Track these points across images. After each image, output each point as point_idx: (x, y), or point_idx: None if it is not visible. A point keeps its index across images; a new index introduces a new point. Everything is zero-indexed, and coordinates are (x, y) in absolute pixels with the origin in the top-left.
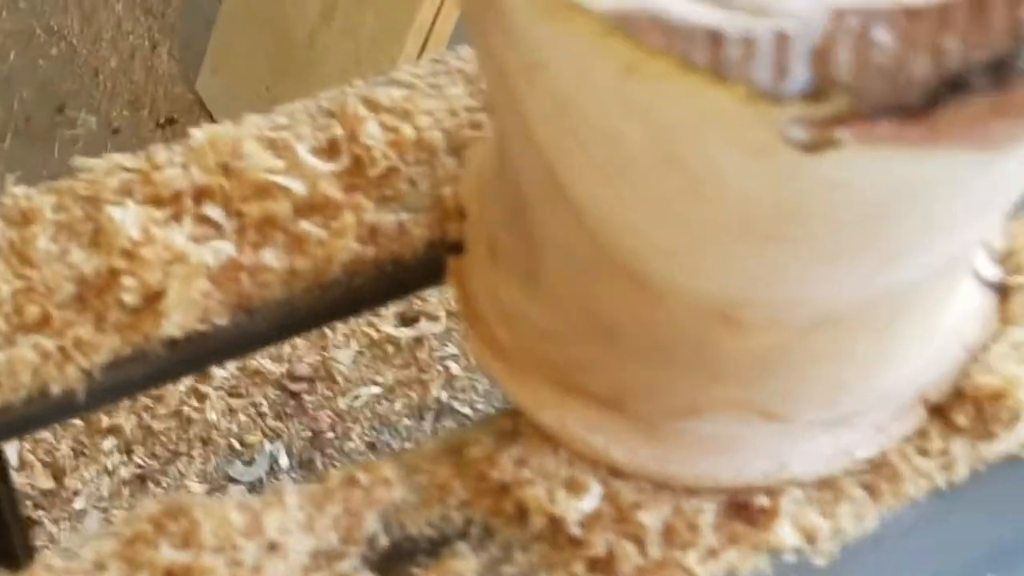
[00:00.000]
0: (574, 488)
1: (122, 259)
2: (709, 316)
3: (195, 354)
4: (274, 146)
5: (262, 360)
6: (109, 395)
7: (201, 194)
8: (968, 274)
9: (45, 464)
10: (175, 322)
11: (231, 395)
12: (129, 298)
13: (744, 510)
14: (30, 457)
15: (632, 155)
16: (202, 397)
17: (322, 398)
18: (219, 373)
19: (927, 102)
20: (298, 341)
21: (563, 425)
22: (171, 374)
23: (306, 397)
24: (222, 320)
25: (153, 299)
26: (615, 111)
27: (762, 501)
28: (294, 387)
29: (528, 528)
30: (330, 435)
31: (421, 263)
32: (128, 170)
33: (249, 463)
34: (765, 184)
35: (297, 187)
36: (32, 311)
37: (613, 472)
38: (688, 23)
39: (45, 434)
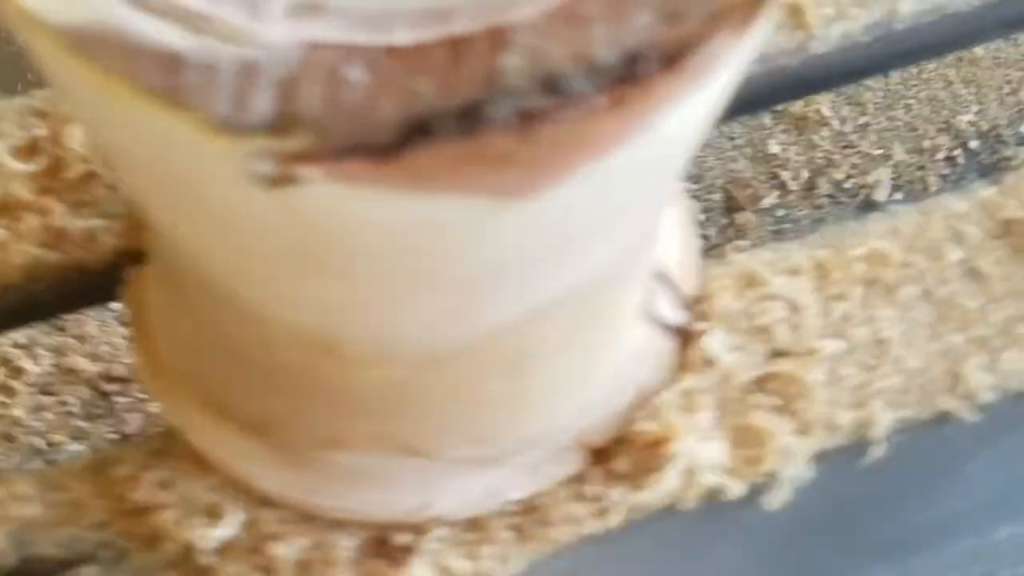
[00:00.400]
0: (212, 514)
1: None
2: (312, 346)
3: None
4: None
5: (79, 358)
6: None
7: None
8: (642, 318)
9: None
10: None
11: (42, 392)
12: None
13: (384, 547)
14: None
15: (165, 187)
16: (11, 393)
17: (135, 400)
18: (34, 370)
19: (397, 144)
20: (118, 341)
21: (213, 449)
22: None
23: (118, 399)
24: None
25: None
26: (126, 139)
27: (403, 539)
28: (107, 387)
29: (161, 553)
30: (138, 438)
31: (109, 272)
32: None
33: (50, 464)
34: (278, 218)
35: None
36: None
37: (262, 501)
38: (145, 43)
39: None
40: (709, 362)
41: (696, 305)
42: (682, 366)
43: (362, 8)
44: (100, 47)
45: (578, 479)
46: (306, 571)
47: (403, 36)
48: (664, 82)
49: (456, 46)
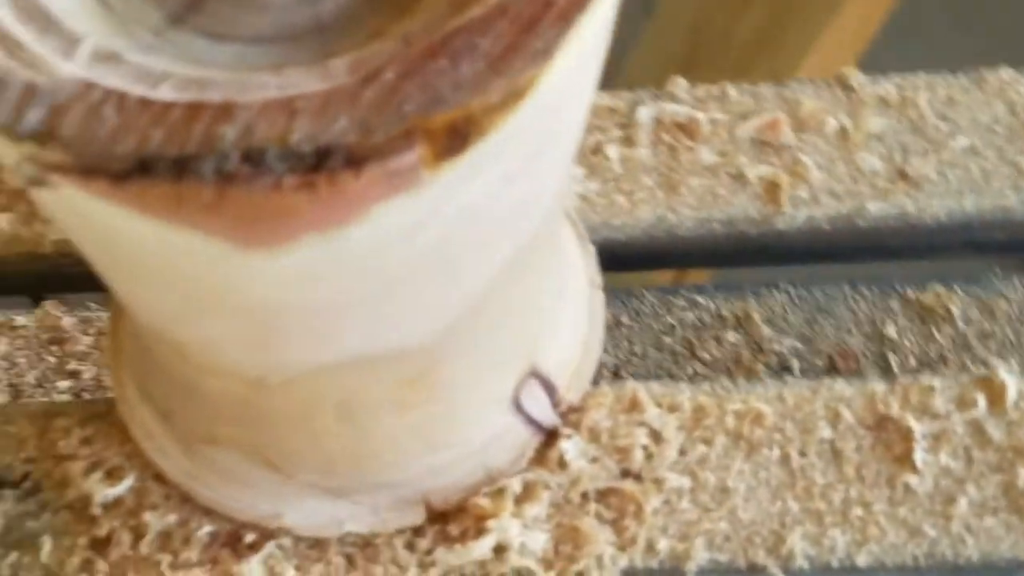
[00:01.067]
0: (111, 475)
1: None
2: (169, 346)
3: None
4: None
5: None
6: None
7: None
8: (510, 409)
9: None
10: None
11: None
12: None
13: (234, 540)
14: None
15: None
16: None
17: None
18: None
19: (127, 173)
20: None
21: (132, 423)
22: None
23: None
24: None
25: None
26: None
27: (251, 538)
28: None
29: (65, 495)
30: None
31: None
32: None
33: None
34: (64, 212)
35: None
36: None
37: (156, 476)
38: None
39: None
40: (563, 464)
41: (570, 413)
42: (536, 460)
43: (145, 66)
44: None
45: (415, 531)
46: (166, 541)
47: (163, 93)
48: (351, 180)
49: (192, 109)
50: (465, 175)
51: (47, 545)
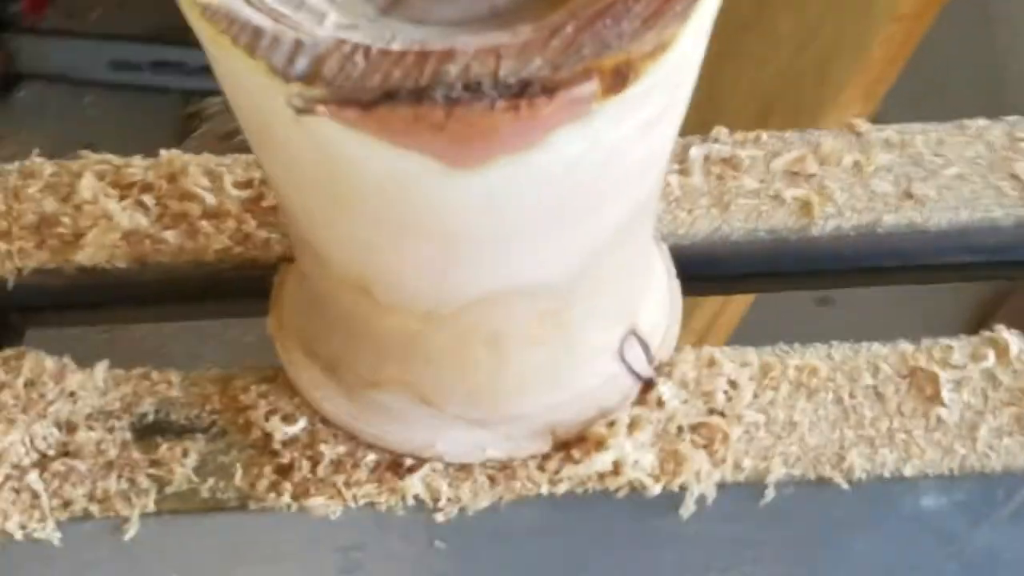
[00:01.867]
0: (287, 419)
1: (72, 209)
2: (356, 289)
3: (96, 284)
4: (211, 173)
5: None
6: (31, 297)
7: (147, 187)
8: (615, 360)
9: None
10: (87, 254)
11: None
12: (63, 231)
13: (396, 465)
14: None
15: (251, 122)
16: None
17: None
18: None
19: (374, 102)
20: None
21: (298, 379)
22: (78, 299)
23: None
24: (122, 264)
25: (79, 236)
26: (229, 81)
27: (410, 463)
28: None
29: (248, 436)
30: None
31: (271, 268)
32: (109, 163)
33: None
34: (308, 147)
35: (210, 200)
36: (2, 225)
37: (323, 419)
38: (244, 18)
39: None
40: (660, 403)
41: (663, 367)
42: (638, 402)
43: (377, 31)
44: (220, 17)
45: (544, 456)
46: (339, 467)
47: (393, 45)
48: (544, 104)
49: (422, 55)
50: (620, 113)
51: (239, 473)
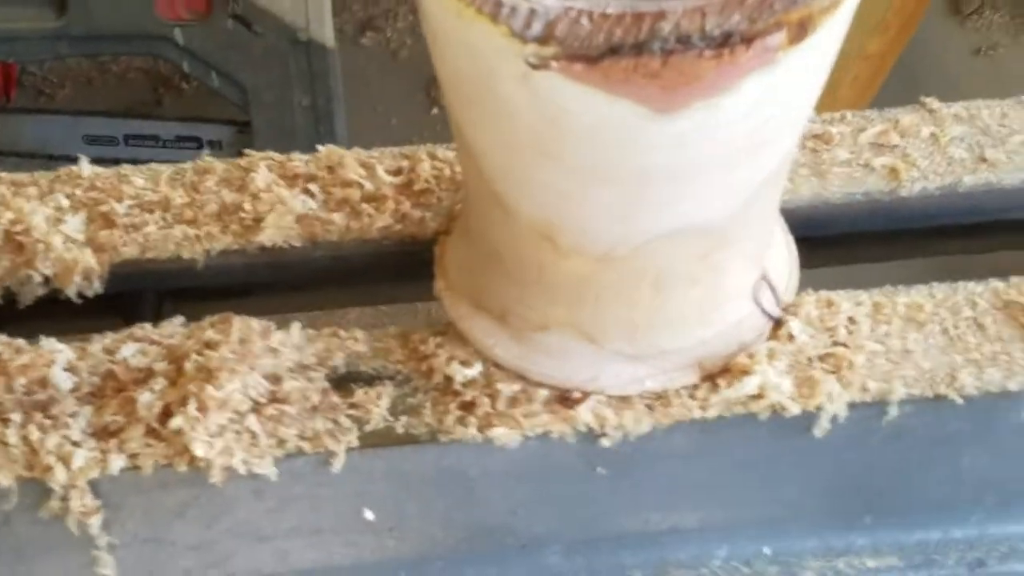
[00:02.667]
0: (465, 364)
1: (249, 198)
2: (539, 237)
3: (277, 261)
4: (364, 164)
5: None
6: (217, 276)
7: (311, 178)
8: (750, 300)
9: None
10: (268, 235)
11: None
12: (245, 216)
13: (565, 399)
14: None
15: (474, 86)
16: None
17: None
18: None
19: (600, 56)
20: None
21: (470, 330)
22: (259, 276)
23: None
24: (296, 244)
25: (259, 220)
26: (458, 51)
27: (577, 395)
28: None
29: (431, 380)
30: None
31: (429, 242)
32: (273, 159)
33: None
34: (529, 104)
35: (368, 186)
36: (188, 214)
37: (495, 364)
38: None
39: None
40: (791, 338)
41: (789, 307)
42: (771, 337)
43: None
44: None
45: (694, 387)
46: (515, 402)
47: (611, 9)
48: (743, 52)
49: (637, 16)
50: (798, 60)
51: (428, 410)
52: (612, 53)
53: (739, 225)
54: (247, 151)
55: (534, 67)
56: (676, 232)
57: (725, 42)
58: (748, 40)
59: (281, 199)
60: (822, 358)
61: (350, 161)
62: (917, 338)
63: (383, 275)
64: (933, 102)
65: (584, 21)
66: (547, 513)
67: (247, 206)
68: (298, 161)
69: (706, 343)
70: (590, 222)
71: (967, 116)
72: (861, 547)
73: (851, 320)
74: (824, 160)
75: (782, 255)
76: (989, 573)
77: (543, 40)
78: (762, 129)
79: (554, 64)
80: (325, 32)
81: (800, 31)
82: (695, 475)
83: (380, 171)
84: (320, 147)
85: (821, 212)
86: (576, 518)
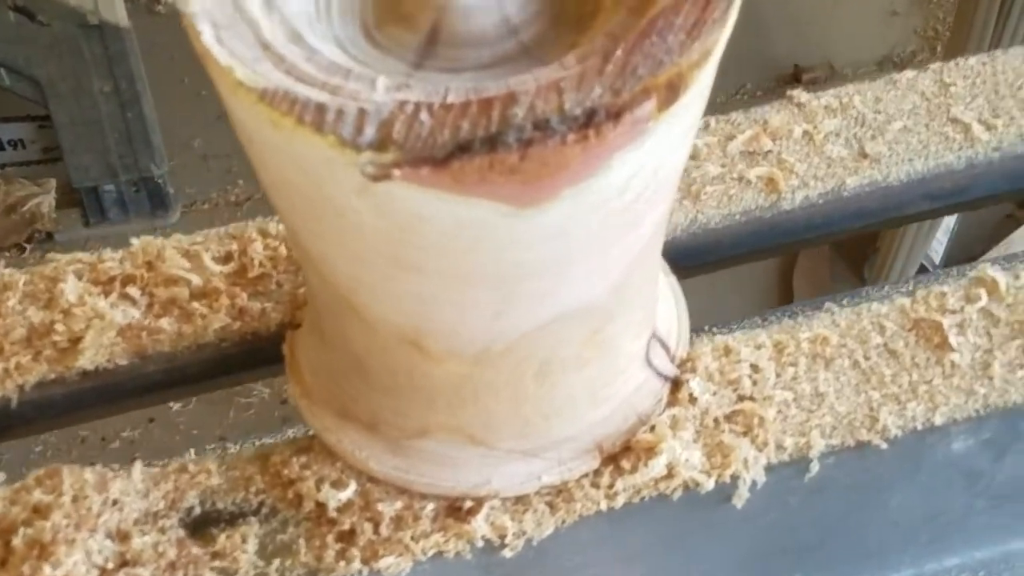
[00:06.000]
0: (337, 485)
1: (61, 315)
2: (406, 344)
3: (102, 385)
4: (188, 254)
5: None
6: (36, 410)
7: (129, 279)
8: (643, 366)
9: None
10: (88, 357)
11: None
12: (58, 339)
13: (455, 510)
14: None
15: (306, 198)
16: None
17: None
18: None
19: (447, 158)
20: None
21: (339, 442)
22: (84, 402)
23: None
24: (123, 362)
25: (76, 341)
26: (282, 161)
27: (469, 504)
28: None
29: (301, 510)
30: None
31: (275, 337)
32: (82, 261)
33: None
34: (373, 214)
35: (196, 280)
36: None
37: (371, 479)
38: (304, 97)
39: None
40: (692, 399)
41: (684, 363)
42: (671, 402)
43: (430, 85)
44: (279, 99)
45: (596, 473)
46: (400, 523)
47: (452, 97)
48: (611, 130)
49: (485, 102)
50: (670, 125)
51: (302, 547)
52: (462, 151)
53: (623, 297)
54: (50, 255)
55: (373, 178)
56: (555, 320)
57: (589, 122)
58: (615, 115)
59: (98, 312)
60: (729, 417)
61: (171, 253)
62: (827, 377)
63: (225, 381)
64: (800, 94)
65: (424, 117)
66: None
67: (59, 327)
68: (111, 261)
69: (602, 423)
70: (461, 325)
71: (839, 106)
72: None
73: (754, 368)
74: (695, 179)
75: (668, 305)
76: None
77: (379, 146)
78: (638, 202)
79: (396, 172)
80: (116, 11)
81: (670, 94)
82: (608, 568)
83: (207, 260)
84: (134, 240)
85: (699, 240)
86: None
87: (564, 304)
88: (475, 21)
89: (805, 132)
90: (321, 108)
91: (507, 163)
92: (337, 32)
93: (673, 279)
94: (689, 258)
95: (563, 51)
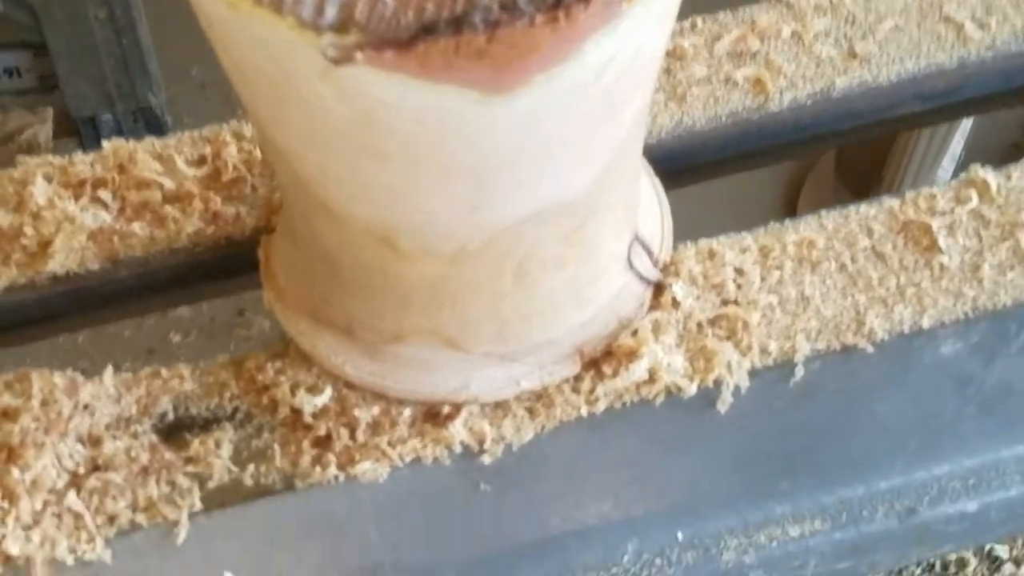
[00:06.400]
0: (312, 390)
1: (30, 219)
2: (378, 241)
3: (74, 288)
4: (160, 157)
5: None
6: (8, 315)
7: (100, 183)
8: (625, 270)
9: None
10: (58, 261)
11: None
12: (27, 243)
13: (433, 415)
14: None
15: (269, 83)
16: None
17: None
18: None
19: (412, 39)
20: None
21: (314, 347)
22: (56, 308)
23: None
24: (94, 266)
25: (45, 245)
26: (246, 46)
27: (447, 410)
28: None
29: (276, 415)
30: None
31: (249, 242)
32: (51, 164)
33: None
34: (338, 100)
35: (169, 184)
36: None
37: (347, 384)
38: None
39: None
40: (675, 303)
41: (667, 267)
42: (654, 306)
43: None
44: None
45: (576, 378)
46: (377, 428)
47: None
48: (581, 11)
49: None
50: (645, 8)
51: (277, 453)
52: (426, 33)
53: (604, 192)
54: (19, 157)
55: (335, 61)
56: (534, 215)
57: (558, 2)
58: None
59: (68, 215)
60: (713, 322)
61: (143, 156)
62: (813, 281)
63: (200, 288)
64: None
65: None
66: (433, 540)
67: (28, 229)
68: (82, 164)
69: (583, 327)
70: (433, 219)
71: (829, 5)
72: (781, 515)
73: (738, 272)
74: (680, 81)
75: (652, 208)
76: (922, 520)
77: (340, 27)
78: (614, 89)
79: (358, 55)
80: None
81: None
82: (590, 473)
83: (180, 163)
84: (105, 142)
85: (684, 143)
86: (465, 538)
87: (543, 199)
88: None
89: (794, 32)
90: None
91: (474, 46)
92: None
93: (658, 183)
94: (674, 161)
95: None
